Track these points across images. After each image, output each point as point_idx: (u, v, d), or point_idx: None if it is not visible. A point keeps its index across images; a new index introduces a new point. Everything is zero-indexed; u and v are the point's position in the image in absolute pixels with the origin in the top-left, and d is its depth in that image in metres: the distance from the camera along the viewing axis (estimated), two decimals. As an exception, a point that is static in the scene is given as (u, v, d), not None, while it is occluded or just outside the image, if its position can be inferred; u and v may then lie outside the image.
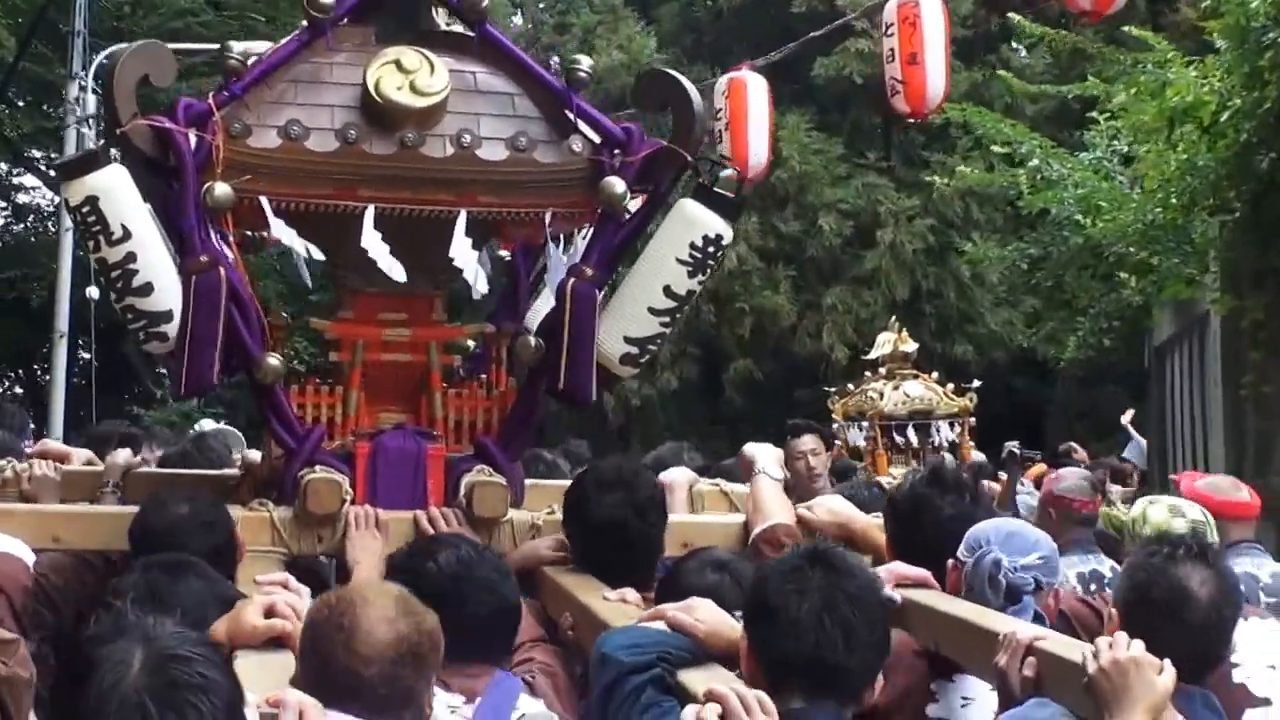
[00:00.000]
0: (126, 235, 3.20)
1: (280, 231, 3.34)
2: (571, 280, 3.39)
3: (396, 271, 3.37)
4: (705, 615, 2.38)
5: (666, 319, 3.46)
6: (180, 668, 1.70)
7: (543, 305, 3.86)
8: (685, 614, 2.38)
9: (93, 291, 16.25)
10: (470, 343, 3.94)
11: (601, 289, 3.44)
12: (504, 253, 3.97)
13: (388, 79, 3.34)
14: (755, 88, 7.22)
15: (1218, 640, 2.52)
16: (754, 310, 16.05)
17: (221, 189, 3.19)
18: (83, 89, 15.37)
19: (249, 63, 3.30)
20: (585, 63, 3.55)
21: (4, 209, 22.49)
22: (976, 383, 10.93)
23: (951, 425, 10.77)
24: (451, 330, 3.75)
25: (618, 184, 3.37)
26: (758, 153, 6.30)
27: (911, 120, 6.85)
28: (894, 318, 12.32)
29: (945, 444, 10.71)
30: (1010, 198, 16.67)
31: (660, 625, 2.40)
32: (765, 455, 3.58)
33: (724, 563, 2.94)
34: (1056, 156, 10.88)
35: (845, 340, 15.66)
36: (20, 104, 20.46)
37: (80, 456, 4.44)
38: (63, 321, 16.83)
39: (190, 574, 2.59)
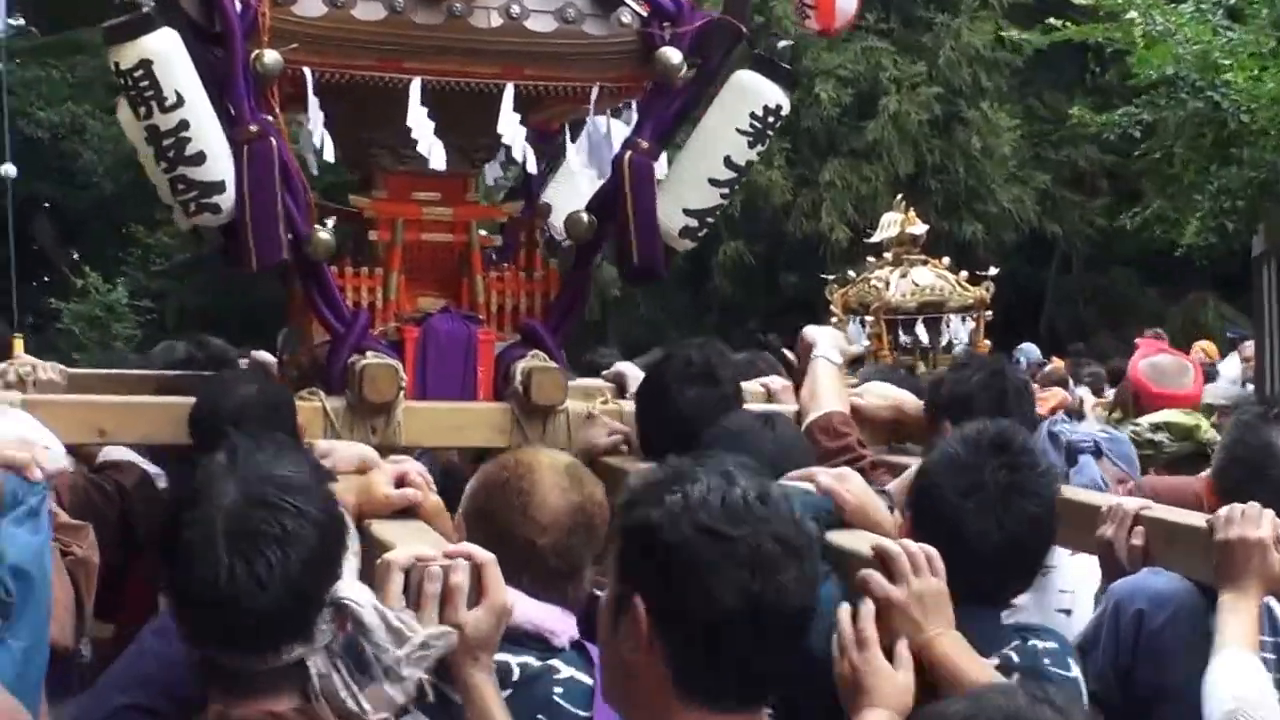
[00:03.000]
0: (180, 101, 3.34)
1: (313, 113, 3.55)
2: (628, 154, 3.65)
3: (436, 155, 3.59)
4: (856, 488, 2.53)
5: (726, 190, 3.75)
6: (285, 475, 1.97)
7: (555, 190, 4.11)
8: (838, 483, 2.53)
9: (8, 169, 15.93)
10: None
11: (655, 161, 3.70)
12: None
13: (432, -53, 3.54)
14: (843, -80, 6.58)
15: None
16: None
17: (271, 56, 3.39)
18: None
19: None
20: None
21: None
22: (993, 270, 11.10)
23: (964, 319, 10.87)
24: (493, 210, 3.99)
25: (674, 55, 3.62)
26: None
27: None
28: (899, 196, 12.50)
29: (958, 341, 10.81)
30: (1015, 64, 16.85)
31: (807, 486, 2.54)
32: (825, 338, 3.81)
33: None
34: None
35: (845, 220, 15.89)
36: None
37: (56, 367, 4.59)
38: (-28, 207, 16.59)
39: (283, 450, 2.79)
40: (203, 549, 1.88)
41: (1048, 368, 12.16)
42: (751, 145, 3.70)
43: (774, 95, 3.72)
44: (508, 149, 3.77)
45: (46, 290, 21.25)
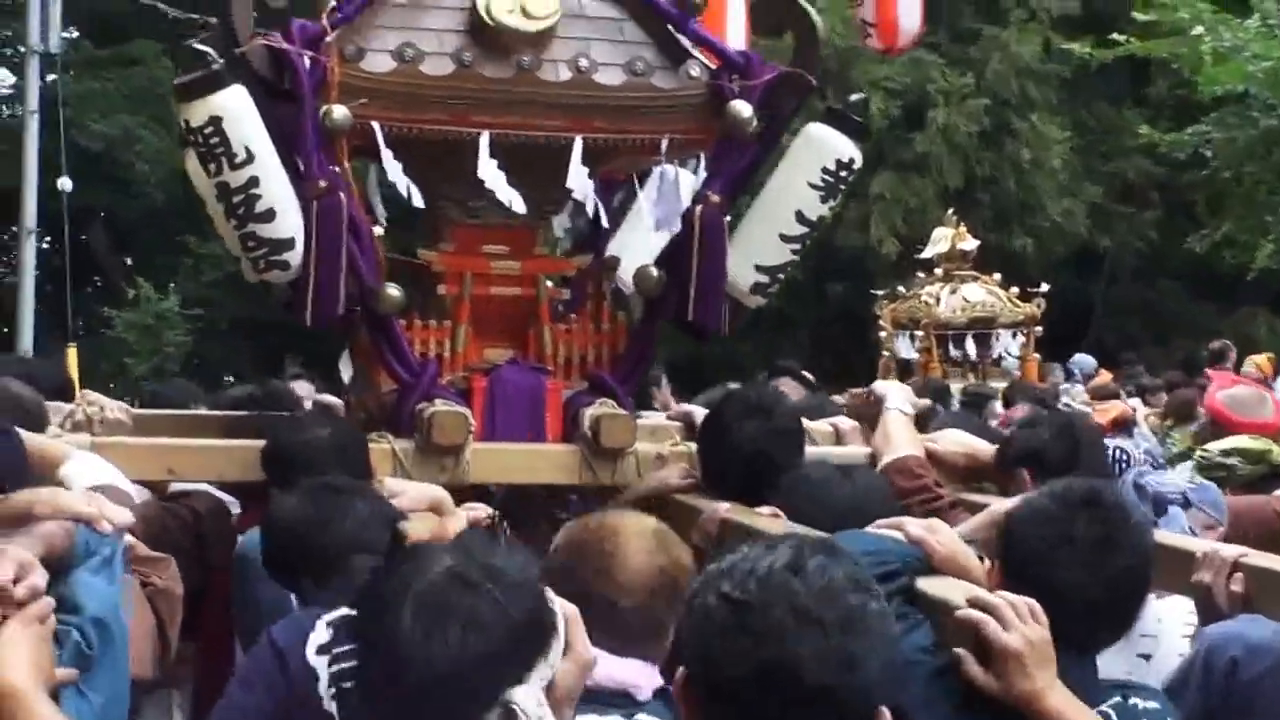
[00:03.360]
0: (250, 158, 3.33)
1: (388, 164, 3.53)
2: (699, 208, 3.61)
3: (516, 203, 3.57)
4: (946, 539, 2.49)
5: (797, 246, 3.69)
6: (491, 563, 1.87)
7: (621, 243, 4.06)
8: (928, 533, 2.49)
9: (65, 183, 16.05)
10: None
11: (726, 215, 3.65)
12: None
13: (498, 2, 3.51)
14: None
15: None
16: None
17: (340, 111, 3.39)
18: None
19: None
20: None
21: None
22: (1044, 286, 10.98)
23: (1014, 334, 10.78)
24: (560, 263, 3.95)
25: (745, 108, 3.57)
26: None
27: None
28: (950, 210, 12.38)
29: (1006, 355, 10.71)
30: (1064, 76, 16.65)
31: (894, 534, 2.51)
32: (896, 393, 3.79)
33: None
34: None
35: (893, 232, 15.77)
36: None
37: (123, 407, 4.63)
38: (31, 217, 16.69)
39: (355, 496, 2.77)
40: (391, 607, 1.82)
41: (1095, 380, 12.08)
42: (823, 200, 3.65)
43: (846, 149, 3.66)
44: (576, 202, 3.73)
45: (100, 297, 21.45)
